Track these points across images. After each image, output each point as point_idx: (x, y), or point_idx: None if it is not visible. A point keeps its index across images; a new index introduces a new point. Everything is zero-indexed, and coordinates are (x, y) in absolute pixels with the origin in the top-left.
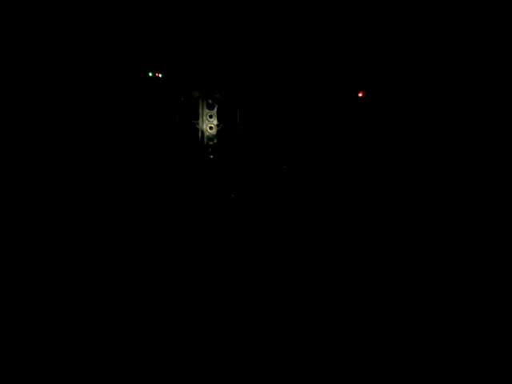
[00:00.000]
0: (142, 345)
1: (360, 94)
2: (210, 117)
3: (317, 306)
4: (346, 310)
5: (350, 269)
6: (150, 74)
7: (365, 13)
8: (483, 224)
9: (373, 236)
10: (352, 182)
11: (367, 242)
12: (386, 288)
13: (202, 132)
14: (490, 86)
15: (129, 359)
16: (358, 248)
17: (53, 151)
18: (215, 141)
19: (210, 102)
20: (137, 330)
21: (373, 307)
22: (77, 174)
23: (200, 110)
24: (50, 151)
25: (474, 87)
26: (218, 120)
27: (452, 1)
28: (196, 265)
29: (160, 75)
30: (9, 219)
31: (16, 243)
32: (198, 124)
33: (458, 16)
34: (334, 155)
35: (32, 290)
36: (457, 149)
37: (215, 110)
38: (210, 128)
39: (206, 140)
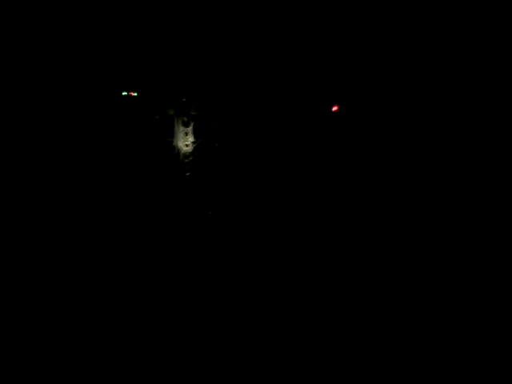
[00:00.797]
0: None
1: (334, 108)
2: (186, 134)
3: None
4: (345, 315)
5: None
6: (125, 93)
7: (347, 28)
8: (482, 230)
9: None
10: (329, 195)
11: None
12: (389, 291)
13: (178, 149)
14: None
15: (127, 359)
16: (345, 270)
17: (21, 171)
18: (191, 158)
19: (186, 119)
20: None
21: (376, 308)
22: (47, 194)
23: (175, 128)
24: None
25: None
26: (194, 137)
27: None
28: (174, 282)
29: (135, 94)
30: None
31: (11, 244)
32: (173, 142)
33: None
34: (311, 169)
35: (30, 290)
36: (450, 154)
37: (191, 127)
38: (186, 145)
39: (182, 157)
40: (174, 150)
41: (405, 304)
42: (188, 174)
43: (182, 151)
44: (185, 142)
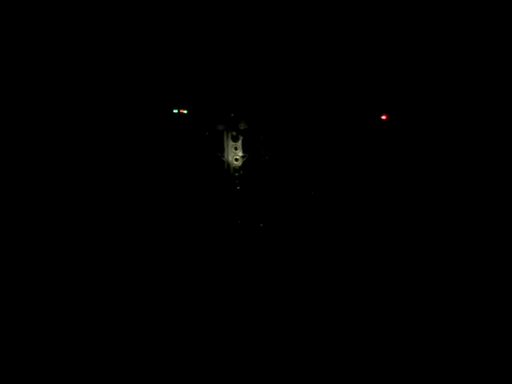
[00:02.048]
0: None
1: (383, 117)
2: (235, 148)
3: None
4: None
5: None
6: (175, 111)
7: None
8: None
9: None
10: (379, 205)
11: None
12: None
13: (228, 164)
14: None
15: (127, 359)
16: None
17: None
18: (241, 172)
19: (235, 134)
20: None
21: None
22: (103, 211)
23: (225, 143)
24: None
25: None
26: (243, 151)
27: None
28: (225, 294)
29: (185, 111)
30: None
31: (13, 245)
32: (223, 156)
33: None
34: (359, 180)
35: (31, 290)
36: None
37: (240, 141)
38: (236, 160)
39: (232, 171)
40: (224, 165)
41: (404, 304)
42: (238, 187)
43: (232, 165)
44: (234, 156)
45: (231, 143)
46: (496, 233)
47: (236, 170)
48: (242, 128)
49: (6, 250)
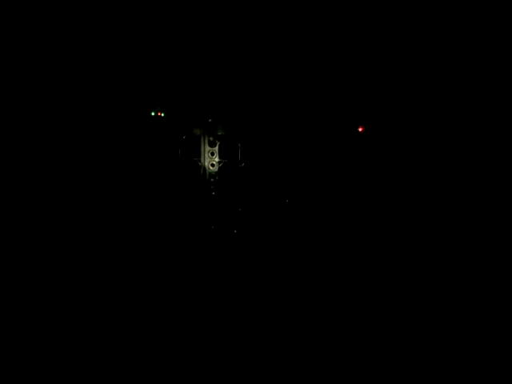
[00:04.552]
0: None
1: (360, 129)
2: (212, 154)
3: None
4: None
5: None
6: (153, 114)
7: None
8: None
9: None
10: (355, 214)
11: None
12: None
13: (204, 169)
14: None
15: (127, 359)
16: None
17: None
18: (217, 177)
19: (212, 139)
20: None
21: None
22: (77, 216)
23: (202, 148)
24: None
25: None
26: (220, 157)
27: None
28: (196, 300)
29: (162, 114)
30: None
31: (13, 246)
32: (199, 161)
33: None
34: (334, 189)
35: (32, 291)
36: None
37: (217, 147)
38: (212, 165)
39: (207, 177)
40: (200, 170)
41: (403, 304)
42: (213, 193)
43: (208, 171)
44: (211, 161)
45: (208, 148)
46: (487, 235)
47: (212, 175)
48: (219, 134)
49: (6, 250)
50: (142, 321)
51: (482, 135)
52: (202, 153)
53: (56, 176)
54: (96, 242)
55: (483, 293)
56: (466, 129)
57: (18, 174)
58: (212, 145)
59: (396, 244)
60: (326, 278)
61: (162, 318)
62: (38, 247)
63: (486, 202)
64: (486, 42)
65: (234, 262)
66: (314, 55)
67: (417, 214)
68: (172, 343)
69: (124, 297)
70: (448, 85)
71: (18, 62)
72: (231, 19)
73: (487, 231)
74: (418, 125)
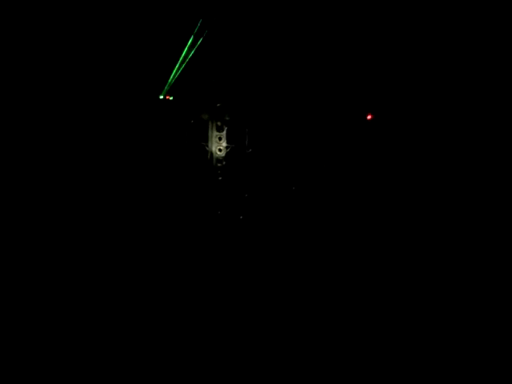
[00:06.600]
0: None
1: (368, 117)
2: (220, 139)
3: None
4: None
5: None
6: (161, 97)
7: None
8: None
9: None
10: (360, 202)
11: (374, 260)
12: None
13: (212, 154)
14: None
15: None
16: (364, 265)
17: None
18: (224, 162)
19: (219, 124)
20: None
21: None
22: (86, 200)
23: (209, 133)
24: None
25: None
26: (227, 142)
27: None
28: (204, 286)
29: (171, 98)
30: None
31: (15, 245)
32: (207, 146)
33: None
34: (342, 176)
35: (33, 290)
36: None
37: (224, 132)
38: (219, 150)
39: (215, 162)
40: (208, 154)
41: (403, 304)
42: (220, 178)
43: (215, 155)
44: (218, 146)
45: (216, 133)
46: (483, 233)
47: (219, 160)
48: (227, 118)
49: (6, 250)
50: (147, 304)
51: (483, 133)
52: (210, 138)
53: (68, 157)
54: (103, 225)
55: (482, 291)
56: (469, 125)
57: (27, 150)
58: (220, 130)
59: (398, 232)
60: (330, 265)
61: (168, 300)
62: (44, 224)
63: (487, 199)
64: (496, 35)
65: (238, 247)
66: (322, 44)
67: (421, 197)
68: (176, 327)
69: (131, 277)
70: (455, 77)
71: (23, 49)
72: (239, 12)
73: (488, 228)
74: (424, 115)
